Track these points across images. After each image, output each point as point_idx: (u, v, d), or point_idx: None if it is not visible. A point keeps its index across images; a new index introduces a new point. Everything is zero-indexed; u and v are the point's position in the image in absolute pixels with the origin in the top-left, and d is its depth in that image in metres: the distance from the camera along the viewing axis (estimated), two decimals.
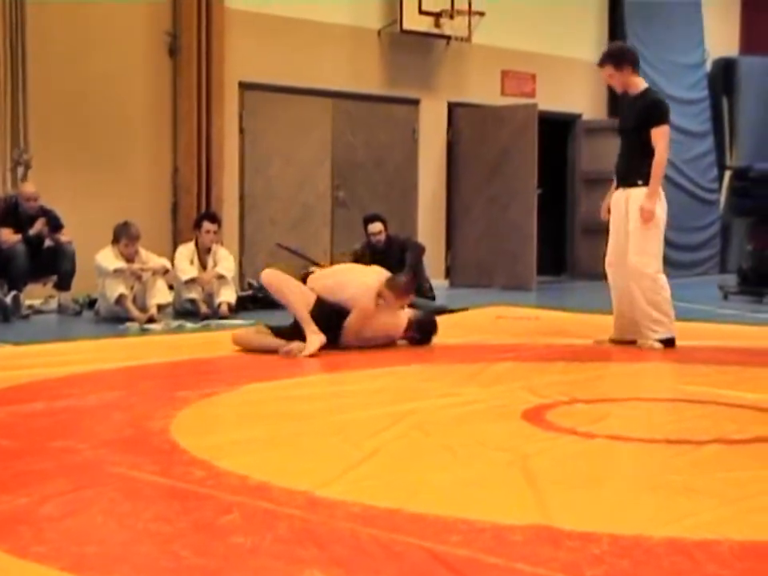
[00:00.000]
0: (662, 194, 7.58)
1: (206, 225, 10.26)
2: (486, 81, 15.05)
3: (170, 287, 9.99)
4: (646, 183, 7.41)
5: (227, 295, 10.02)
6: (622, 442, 4.45)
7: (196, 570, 2.77)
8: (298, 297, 7.26)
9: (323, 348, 7.05)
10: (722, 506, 3.38)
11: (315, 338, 7.09)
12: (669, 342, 7.52)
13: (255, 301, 10.88)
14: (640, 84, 7.64)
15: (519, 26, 15.16)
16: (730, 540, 3.00)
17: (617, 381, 6.35)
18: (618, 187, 7.70)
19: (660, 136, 7.41)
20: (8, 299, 9.54)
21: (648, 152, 7.40)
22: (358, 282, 7.47)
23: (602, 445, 4.38)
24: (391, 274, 7.65)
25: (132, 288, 9.52)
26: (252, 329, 7.48)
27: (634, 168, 7.50)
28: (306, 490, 3.51)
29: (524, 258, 14.18)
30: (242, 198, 12.78)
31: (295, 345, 6.99)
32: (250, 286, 11.61)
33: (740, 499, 3.47)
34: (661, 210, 7.52)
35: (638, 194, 7.46)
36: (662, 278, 7.54)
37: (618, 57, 7.60)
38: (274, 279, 7.44)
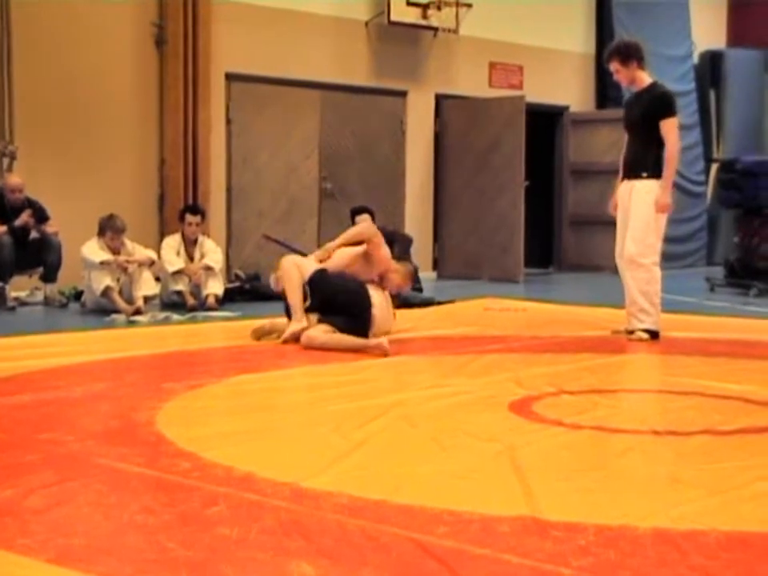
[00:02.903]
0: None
1: (189, 217, 10.25)
2: (474, 73, 15.04)
3: (157, 279, 9.97)
4: (650, 175, 7.45)
5: (214, 287, 10.00)
6: (609, 434, 4.46)
7: (182, 562, 2.77)
8: (294, 285, 7.41)
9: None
10: (708, 497, 3.39)
11: (296, 324, 7.26)
12: (653, 335, 7.57)
13: (242, 293, 10.87)
14: (646, 79, 7.66)
15: (507, 17, 15.14)
16: (716, 530, 3.01)
17: (603, 372, 6.35)
18: (623, 179, 7.71)
19: (669, 128, 7.44)
20: None
21: (654, 144, 7.43)
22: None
23: (588, 436, 4.39)
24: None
25: (118, 280, 9.50)
26: (320, 327, 7.25)
27: (640, 160, 7.53)
28: (293, 482, 3.51)
29: (511, 250, 14.17)
30: (229, 189, 12.75)
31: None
32: (237, 277, 11.59)
33: (726, 490, 3.48)
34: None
35: (641, 185, 7.48)
36: (657, 271, 7.57)
37: (625, 52, 7.64)
38: (284, 268, 7.57)
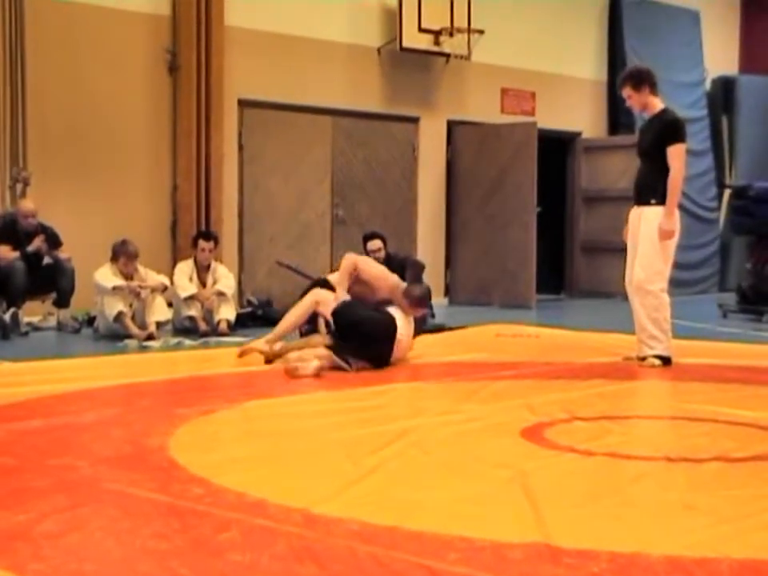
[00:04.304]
0: (677, 213, 7.57)
1: (202, 243, 10.27)
2: (486, 99, 15.08)
3: (169, 304, 9.98)
4: (658, 202, 7.43)
5: (226, 312, 10.01)
6: (621, 460, 4.45)
7: None
8: (293, 313, 7.84)
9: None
10: (721, 524, 3.38)
11: (259, 342, 7.69)
12: (665, 361, 7.55)
13: (254, 318, 10.87)
14: (658, 104, 7.67)
15: (519, 44, 15.19)
16: (729, 558, 2.99)
17: (616, 399, 6.34)
18: (633, 205, 7.71)
19: (675, 155, 7.42)
20: (7, 316, 9.52)
21: (663, 171, 7.42)
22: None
23: (600, 463, 4.38)
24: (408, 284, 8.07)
25: (131, 305, 9.51)
26: (312, 352, 7.33)
27: (649, 187, 7.53)
28: (304, 508, 3.50)
29: (523, 276, 14.17)
30: (241, 215, 12.78)
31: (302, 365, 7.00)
32: (250, 303, 11.60)
33: (740, 517, 3.47)
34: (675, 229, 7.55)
35: (650, 212, 7.47)
36: (665, 297, 7.56)
37: (637, 78, 7.65)
38: (303, 300, 7.94)
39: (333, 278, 8.30)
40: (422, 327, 8.22)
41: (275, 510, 3.50)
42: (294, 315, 7.73)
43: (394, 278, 8.00)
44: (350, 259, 8.13)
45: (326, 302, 7.64)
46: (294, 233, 13.20)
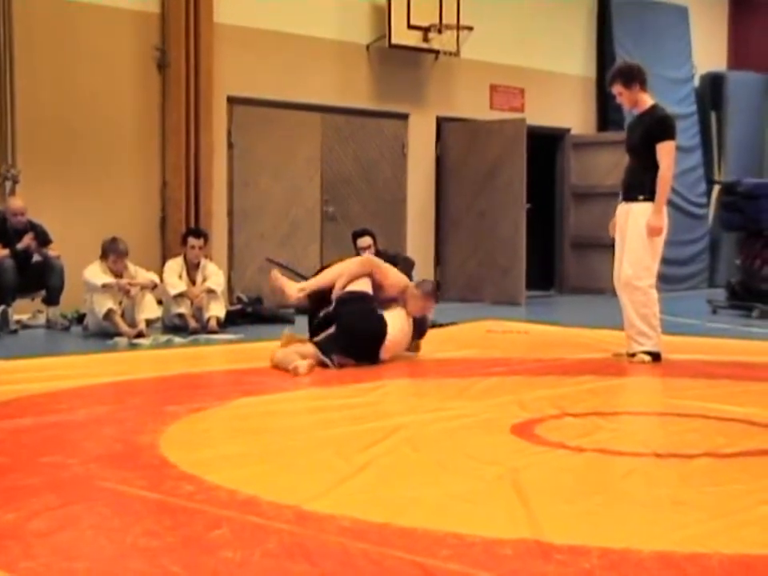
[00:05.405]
0: (665, 209, 7.57)
1: (191, 240, 10.26)
2: (475, 95, 15.08)
3: (159, 302, 9.97)
4: (646, 198, 7.44)
5: (216, 310, 10.00)
6: (612, 456, 4.46)
7: None
8: (328, 274, 7.79)
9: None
10: (711, 520, 3.39)
11: (293, 286, 7.74)
12: (655, 357, 7.56)
13: (244, 315, 10.87)
14: (648, 101, 7.66)
15: (508, 40, 15.20)
16: (719, 553, 3.00)
17: (606, 395, 6.35)
18: (621, 201, 7.71)
19: (665, 152, 7.43)
20: None
21: (651, 168, 7.42)
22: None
23: (591, 459, 4.38)
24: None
25: (120, 303, 9.49)
26: (293, 348, 7.34)
27: (637, 183, 7.53)
28: (296, 505, 3.50)
29: (513, 273, 14.18)
30: (230, 212, 12.77)
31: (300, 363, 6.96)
32: (239, 300, 11.59)
33: (729, 513, 3.48)
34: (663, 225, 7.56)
35: (638, 208, 7.48)
36: (653, 293, 7.57)
37: (627, 75, 7.64)
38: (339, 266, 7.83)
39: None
40: (425, 326, 8.15)
41: (267, 507, 3.50)
42: (326, 278, 7.69)
43: (405, 281, 7.90)
44: (369, 263, 7.81)
45: (343, 278, 7.58)
46: (284, 230, 13.20)
